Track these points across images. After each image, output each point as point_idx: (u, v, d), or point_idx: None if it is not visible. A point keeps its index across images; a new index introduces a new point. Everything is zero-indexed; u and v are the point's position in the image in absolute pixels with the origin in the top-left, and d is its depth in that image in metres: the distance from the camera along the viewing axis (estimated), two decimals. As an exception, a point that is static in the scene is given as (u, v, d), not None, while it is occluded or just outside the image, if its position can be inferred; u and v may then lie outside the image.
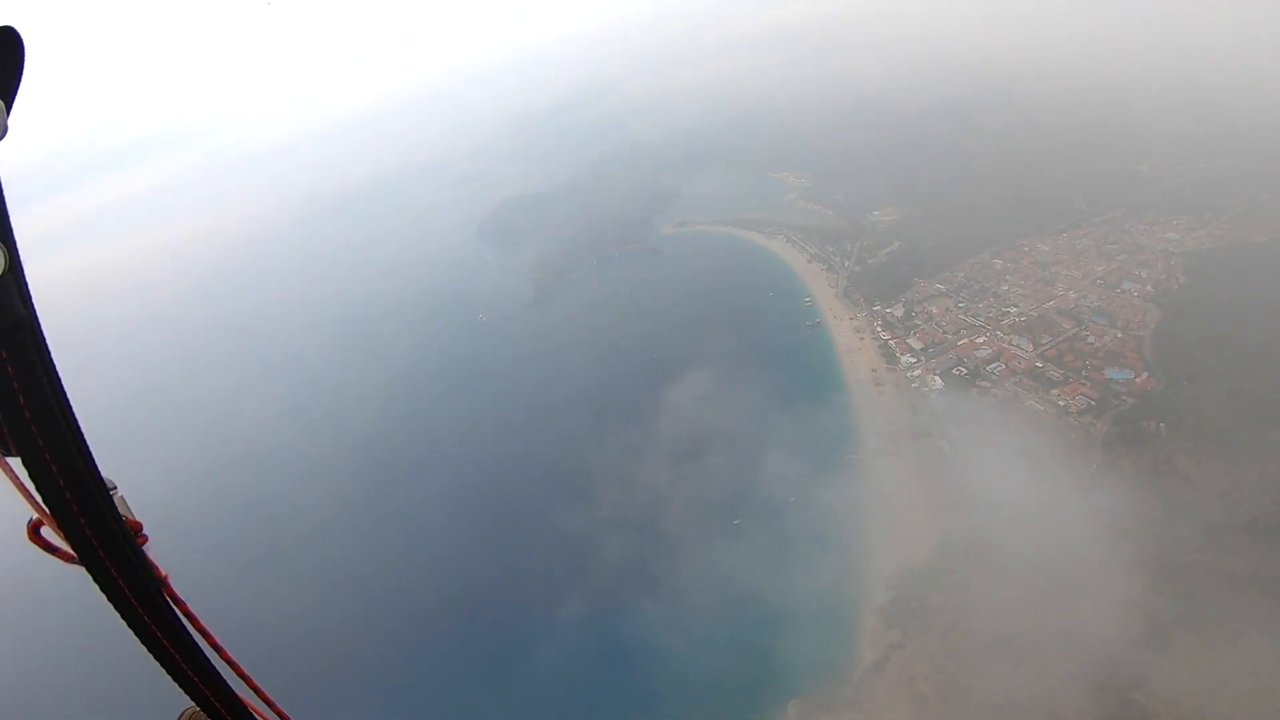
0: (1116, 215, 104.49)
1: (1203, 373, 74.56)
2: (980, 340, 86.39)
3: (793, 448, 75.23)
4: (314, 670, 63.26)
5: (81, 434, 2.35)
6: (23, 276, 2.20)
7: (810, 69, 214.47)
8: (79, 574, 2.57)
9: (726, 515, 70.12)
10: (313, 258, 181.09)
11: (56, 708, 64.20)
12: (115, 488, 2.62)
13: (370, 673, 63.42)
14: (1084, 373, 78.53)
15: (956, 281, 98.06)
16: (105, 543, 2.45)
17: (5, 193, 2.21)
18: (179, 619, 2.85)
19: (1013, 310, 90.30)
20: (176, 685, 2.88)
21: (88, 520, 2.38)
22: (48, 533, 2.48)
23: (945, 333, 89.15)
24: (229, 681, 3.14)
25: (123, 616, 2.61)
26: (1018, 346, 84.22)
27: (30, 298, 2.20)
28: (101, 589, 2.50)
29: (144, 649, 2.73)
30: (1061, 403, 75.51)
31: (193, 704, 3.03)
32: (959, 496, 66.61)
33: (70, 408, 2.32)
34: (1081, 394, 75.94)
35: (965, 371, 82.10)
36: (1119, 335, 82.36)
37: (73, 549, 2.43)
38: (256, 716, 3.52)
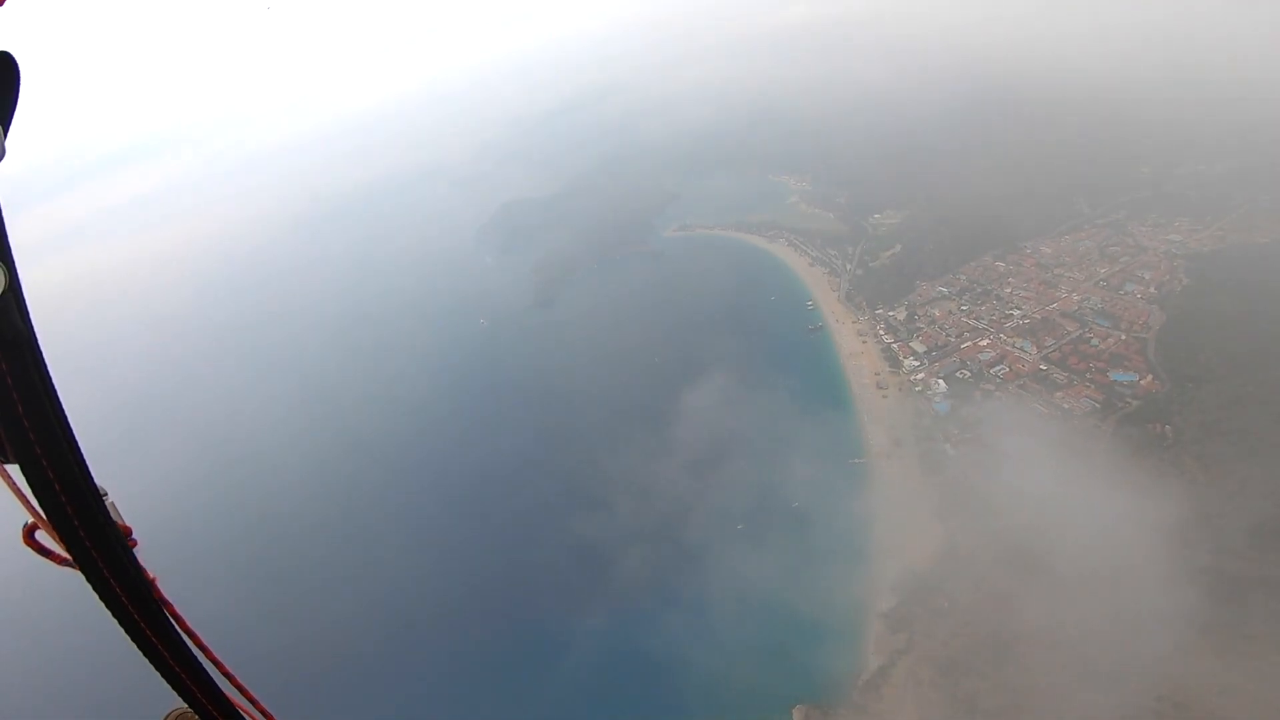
0: (1118, 217, 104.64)
1: (1207, 375, 74.46)
2: (984, 343, 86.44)
3: (796, 452, 75.27)
4: (319, 676, 63.20)
5: (77, 443, 2.44)
6: (21, 293, 2.29)
7: (809, 71, 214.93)
8: (71, 576, 2.68)
9: (729, 521, 70.10)
10: (312, 261, 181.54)
11: (46, 706, 64.31)
12: (107, 494, 2.72)
13: (375, 678, 63.31)
14: (1088, 375, 78.53)
15: (959, 284, 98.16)
16: (99, 546, 2.55)
17: (3, 204, 2.33)
18: (168, 620, 2.95)
19: (1016, 313, 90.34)
20: (166, 684, 2.98)
21: (82, 524, 2.48)
22: (42, 536, 2.58)
23: (948, 336, 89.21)
24: (216, 681, 3.24)
25: (115, 616, 2.72)
26: (1021, 349, 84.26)
27: (28, 313, 2.28)
28: (95, 590, 2.61)
29: (135, 648, 2.82)
30: (1066, 406, 75.46)
31: (182, 703, 3.13)
32: (963, 501, 66.56)
33: (66, 418, 2.41)
34: (1086, 397, 75.93)
35: (969, 375, 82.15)
36: (1122, 337, 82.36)
37: (67, 552, 2.53)
38: (243, 715, 3.60)
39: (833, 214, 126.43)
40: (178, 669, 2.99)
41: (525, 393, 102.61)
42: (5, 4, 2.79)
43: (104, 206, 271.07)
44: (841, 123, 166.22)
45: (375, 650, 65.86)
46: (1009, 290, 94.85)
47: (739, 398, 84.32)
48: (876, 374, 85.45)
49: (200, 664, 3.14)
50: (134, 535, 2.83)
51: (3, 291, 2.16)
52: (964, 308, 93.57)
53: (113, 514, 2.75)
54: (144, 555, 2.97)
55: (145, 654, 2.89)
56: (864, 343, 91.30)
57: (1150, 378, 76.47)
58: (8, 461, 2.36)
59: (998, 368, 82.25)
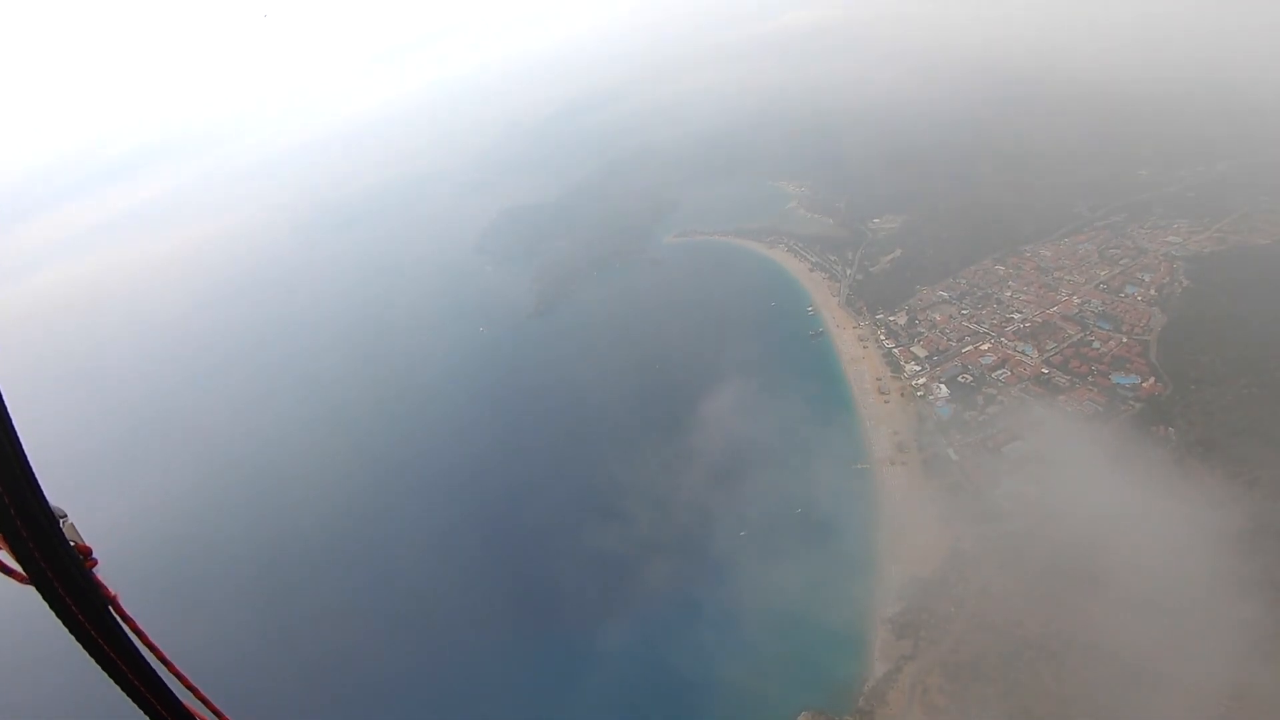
0: (1117, 220, 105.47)
1: (1209, 376, 74.93)
2: (985, 347, 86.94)
3: (798, 458, 75.69)
4: (330, 690, 63.37)
5: (31, 471, 2.61)
6: None
7: (807, 77, 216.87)
8: (30, 593, 2.84)
9: (732, 527, 70.39)
10: (311, 268, 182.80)
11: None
12: (65, 516, 2.91)
13: (382, 691, 63.42)
14: (1090, 378, 78.95)
15: (959, 288, 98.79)
16: (53, 565, 2.71)
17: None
18: (127, 636, 3.07)
19: (1017, 316, 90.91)
20: (127, 698, 3.10)
21: (36, 545, 2.66)
22: (3, 555, 2.75)
23: (949, 340, 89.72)
24: (177, 694, 3.37)
25: (71, 632, 2.89)
26: (1023, 353, 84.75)
27: None
28: (51, 607, 2.79)
29: (94, 663, 2.95)
30: (1069, 409, 75.81)
31: (145, 716, 3.25)
32: (967, 505, 66.86)
33: (20, 446, 2.58)
34: (1088, 399, 76.31)
35: (971, 379, 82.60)
36: (1124, 340, 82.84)
37: (24, 571, 2.69)
38: None
39: (832, 219, 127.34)
40: (137, 683, 3.10)
41: (524, 400, 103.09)
42: None
43: (101, 217, 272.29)
44: (839, 127, 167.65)
45: (383, 662, 65.97)
46: (1009, 294, 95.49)
47: (740, 404, 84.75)
48: (878, 379, 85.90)
49: (160, 679, 3.23)
50: (94, 555, 2.96)
51: None
52: (965, 312, 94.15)
53: (70, 535, 2.91)
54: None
55: (104, 668, 3.01)
56: (865, 348, 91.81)
57: (1152, 380, 76.88)
58: None
59: (999, 372, 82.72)
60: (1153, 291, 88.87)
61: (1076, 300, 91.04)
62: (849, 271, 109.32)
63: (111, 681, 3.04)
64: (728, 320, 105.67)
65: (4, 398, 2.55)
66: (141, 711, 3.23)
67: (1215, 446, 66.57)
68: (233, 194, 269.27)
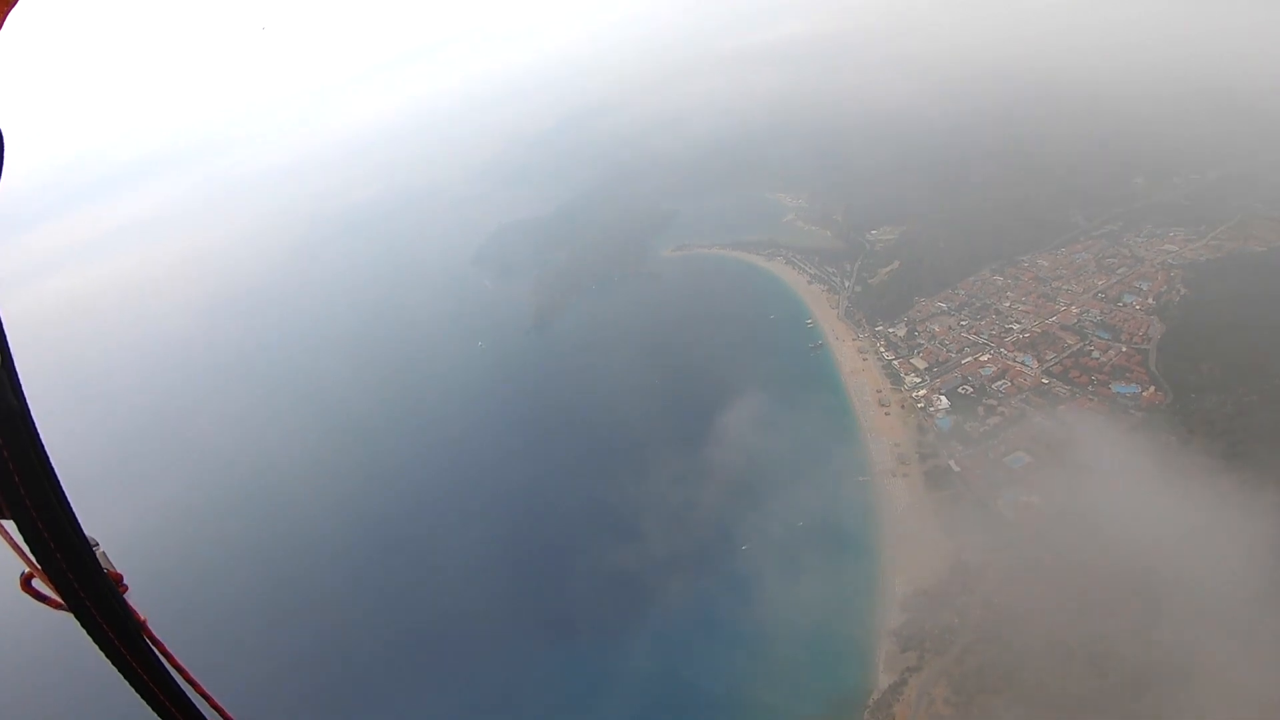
0: (1114, 229, 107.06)
1: (1209, 385, 75.88)
2: (985, 358, 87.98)
3: (799, 471, 76.43)
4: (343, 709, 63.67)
5: (68, 502, 2.77)
6: (14, 371, 2.62)
7: (802, 88, 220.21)
8: (67, 620, 3.03)
9: (733, 541, 70.94)
10: (311, 281, 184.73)
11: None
12: (98, 544, 3.04)
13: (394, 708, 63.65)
14: (1090, 388, 79.93)
15: (958, 299, 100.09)
16: (89, 592, 2.86)
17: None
18: (159, 660, 3.21)
19: (1016, 327, 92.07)
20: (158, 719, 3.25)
21: (74, 573, 2.81)
22: (38, 584, 2.91)
23: (949, 351, 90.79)
24: (207, 715, 3.55)
25: (107, 656, 3.02)
26: (1022, 363, 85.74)
27: (21, 388, 2.62)
28: (88, 632, 2.93)
29: (128, 686, 3.10)
30: (1069, 419, 76.61)
31: None
32: (970, 517, 67.46)
33: (58, 480, 2.75)
34: (1089, 409, 77.13)
35: (971, 390, 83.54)
36: (1123, 349, 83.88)
37: (61, 598, 2.84)
38: None
39: (830, 231, 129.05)
40: (170, 705, 3.22)
41: (523, 414, 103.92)
42: None
43: (98, 229, 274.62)
44: (836, 138, 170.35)
45: (393, 675, 66.23)
46: (1008, 304, 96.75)
47: (740, 418, 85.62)
48: (878, 391, 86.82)
49: (190, 701, 3.37)
50: (125, 581, 3.10)
51: None
52: (964, 323, 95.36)
53: (103, 562, 3.05)
54: (141, 595, 3.41)
55: (138, 691, 3.13)
56: (864, 360, 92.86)
57: (1153, 389, 77.82)
58: (3, 517, 2.70)
59: (999, 383, 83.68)
60: (1151, 300, 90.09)
61: (1075, 310, 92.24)
62: (848, 284, 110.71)
63: (146, 706, 3.19)
64: (727, 334, 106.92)
65: (37, 428, 2.70)
66: None
67: (1218, 456, 67.18)
68: (231, 206, 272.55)
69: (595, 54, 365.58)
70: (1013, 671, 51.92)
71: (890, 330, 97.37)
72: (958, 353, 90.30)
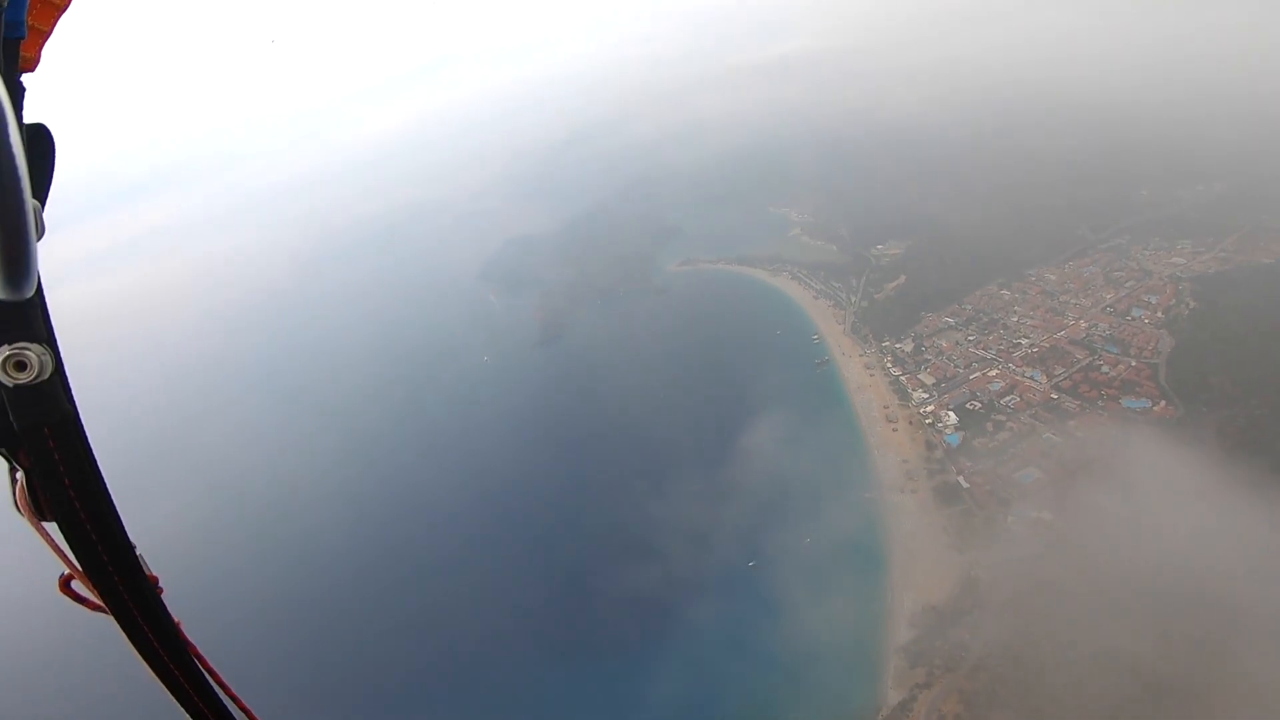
0: (1121, 242, 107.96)
1: (1221, 399, 76.35)
2: (993, 373, 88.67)
3: (806, 487, 77.23)
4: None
5: (114, 506, 2.82)
6: (65, 375, 2.64)
7: (805, 103, 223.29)
8: (98, 623, 3.12)
9: (740, 557, 71.58)
10: (315, 296, 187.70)
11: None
12: (135, 547, 3.07)
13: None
14: (1100, 403, 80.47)
15: (965, 314, 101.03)
16: (133, 594, 2.91)
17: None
18: (194, 663, 3.27)
19: (1024, 342, 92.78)
20: None
21: (119, 576, 2.86)
22: (78, 585, 2.95)
23: (957, 367, 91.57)
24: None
25: (146, 660, 3.03)
26: (1031, 379, 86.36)
27: (72, 393, 2.66)
28: (128, 635, 2.96)
29: (166, 692, 3.13)
30: (1079, 435, 77.05)
31: None
32: (980, 533, 67.92)
33: (105, 484, 2.80)
34: (1099, 424, 77.52)
35: (979, 406, 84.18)
36: (1133, 364, 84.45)
37: (103, 601, 2.89)
38: None
39: (835, 246, 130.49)
40: (206, 710, 3.26)
41: (529, 429, 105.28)
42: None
43: (109, 241, 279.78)
44: (840, 153, 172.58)
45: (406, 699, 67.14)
46: (1016, 319, 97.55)
47: (745, 434, 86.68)
48: (885, 407, 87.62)
49: (227, 709, 3.41)
50: (160, 584, 3.16)
51: (51, 375, 2.48)
52: (971, 338, 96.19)
53: (142, 565, 3.12)
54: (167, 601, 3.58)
55: (174, 694, 3.16)
56: (871, 376, 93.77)
57: (1164, 404, 78.33)
58: (46, 520, 2.77)
59: (1008, 398, 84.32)
60: (1160, 314, 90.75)
61: (1083, 324, 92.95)
62: (854, 299, 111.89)
63: (183, 711, 3.23)
64: (733, 349, 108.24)
65: (83, 425, 2.75)
66: None
67: (1233, 470, 67.31)
68: (242, 219, 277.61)
69: (601, 69, 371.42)
70: (1026, 688, 52.24)
71: (897, 345, 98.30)
72: (965, 368, 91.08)
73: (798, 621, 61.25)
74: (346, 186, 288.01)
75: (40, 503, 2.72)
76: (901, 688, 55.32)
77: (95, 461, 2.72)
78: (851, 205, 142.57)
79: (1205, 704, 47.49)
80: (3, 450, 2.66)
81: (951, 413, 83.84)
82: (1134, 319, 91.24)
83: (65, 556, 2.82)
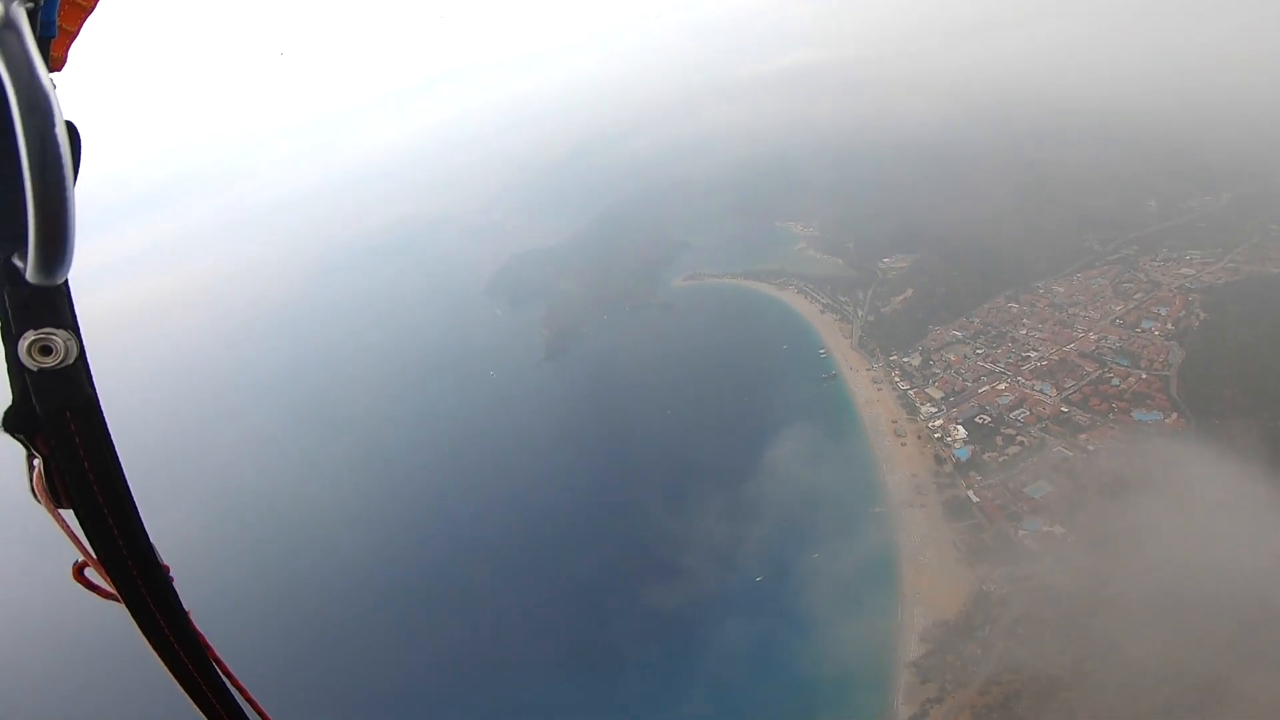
0: (1129, 253, 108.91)
1: (1234, 411, 76.81)
2: (1002, 387, 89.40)
3: (814, 502, 78.06)
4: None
5: (130, 491, 2.85)
6: (88, 363, 2.68)
7: (811, 116, 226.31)
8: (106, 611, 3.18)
9: (747, 573, 72.44)
10: (321, 308, 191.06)
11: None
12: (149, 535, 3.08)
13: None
14: (1111, 416, 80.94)
15: (973, 328, 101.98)
16: (147, 582, 2.93)
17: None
18: (202, 652, 3.27)
19: (1033, 355, 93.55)
20: (201, 714, 3.32)
21: (134, 564, 2.88)
22: (91, 573, 2.98)
23: (965, 381, 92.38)
24: (247, 713, 3.58)
25: (156, 649, 3.04)
26: (1040, 392, 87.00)
27: (93, 380, 2.70)
28: (140, 624, 2.98)
29: (174, 682, 3.14)
30: (1091, 448, 77.56)
31: None
32: (991, 546, 68.47)
33: (122, 468, 2.83)
34: (1110, 438, 77.95)
35: (989, 419, 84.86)
36: (1143, 376, 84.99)
37: (117, 589, 2.91)
38: None
39: (841, 259, 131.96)
40: (213, 699, 3.27)
41: (533, 443, 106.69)
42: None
43: (117, 254, 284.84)
44: (846, 166, 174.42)
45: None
46: (1024, 332, 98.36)
47: (752, 448, 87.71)
48: (894, 421, 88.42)
49: (235, 700, 3.42)
50: (172, 573, 3.15)
51: (75, 361, 2.55)
52: (979, 351, 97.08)
53: (155, 553, 3.12)
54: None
55: (183, 684, 3.17)
56: (879, 390, 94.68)
57: (1175, 416, 78.74)
58: (62, 507, 2.79)
59: (1017, 411, 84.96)
60: (1170, 325, 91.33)
61: (1093, 337, 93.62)
62: (860, 312, 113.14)
63: (190, 701, 3.24)
64: (739, 364, 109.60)
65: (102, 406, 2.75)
66: None
67: (1247, 483, 67.51)
68: (249, 231, 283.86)
69: (607, 82, 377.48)
70: (1040, 703, 52.61)
71: (905, 359, 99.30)
72: (974, 382, 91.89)
73: (806, 637, 61.94)
74: (355, 198, 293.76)
75: (58, 489, 2.78)
76: (912, 703, 55.85)
77: (114, 448, 2.80)
78: (857, 218, 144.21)
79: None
80: (21, 437, 2.73)
81: (960, 427, 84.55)
82: (1144, 331, 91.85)
83: (80, 543, 2.87)
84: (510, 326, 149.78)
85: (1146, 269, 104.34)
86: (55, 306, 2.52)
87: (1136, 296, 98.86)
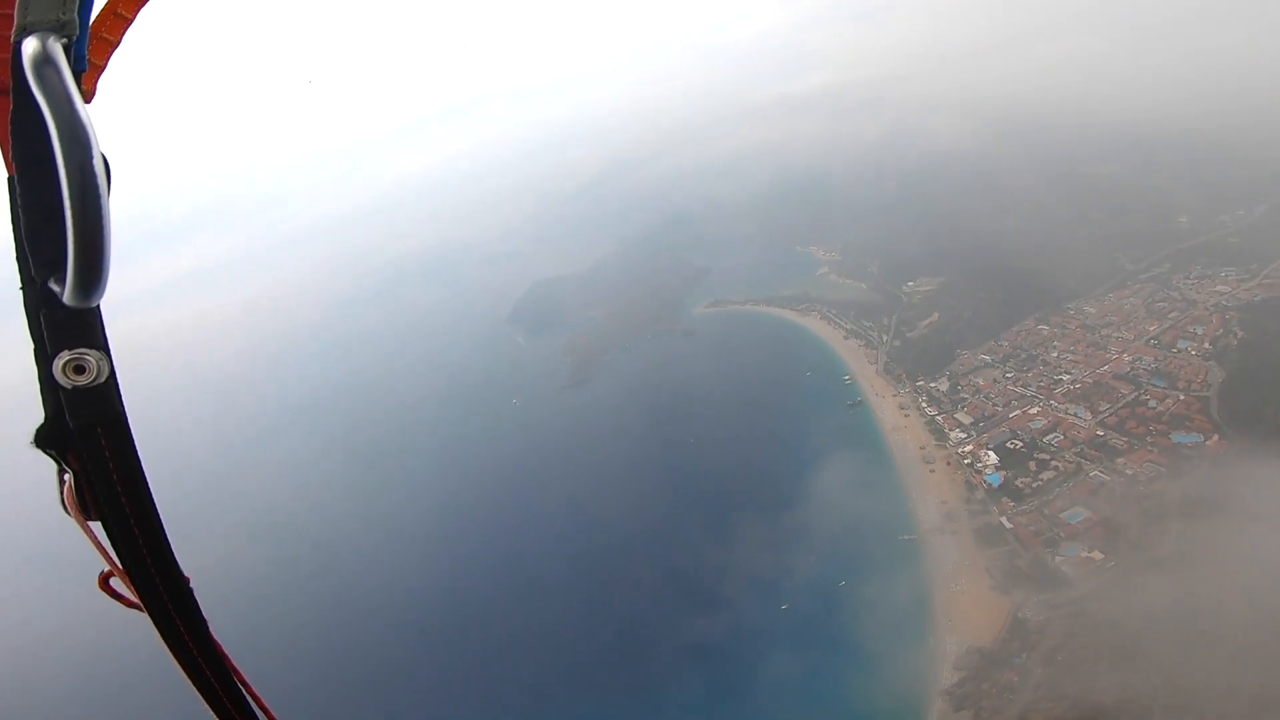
0: (1161, 271, 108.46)
1: (1278, 431, 75.50)
2: (1034, 411, 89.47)
3: (841, 530, 78.89)
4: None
5: (155, 504, 3.05)
6: (118, 382, 2.88)
7: (830, 139, 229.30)
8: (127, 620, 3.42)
9: (773, 600, 73.32)
10: (346, 337, 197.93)
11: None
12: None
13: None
14: (1149, 439, 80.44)
15: (1002, 351, 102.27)
16: (170, 593, 3.13)
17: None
18: (220, 662, 3.44)
19: (1065, 378, 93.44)
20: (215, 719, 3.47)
21: (159, 575, 3.07)
22: (116, 583, 3.19)
23: (995, 406, 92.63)
24: None
25: (177, 657, 3.21)
26: (1075, 416, 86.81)
27: (122, 398, 2.91)
28: (161, 632, 3.16)
29: (192, 688, 3.31)
30: (1130, 471, 77.17)
31: None
32: (1026, 573, 68.45)
33: (148, 482, 3.02)
34: (1149, 461, 77.61)
35: (1021, 445, 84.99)
36: (1181, 398, 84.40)
37: (140, 598, 3.10)
38: None
39: (865, 284, 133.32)
40: (233, 710, 3.43)
41: (556, 469, 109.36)
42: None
43: (147, 284, 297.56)
44: (867, 189, 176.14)
45: None
46: (1055, 354, 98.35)
47: (777, 476, 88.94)
48: (922, 448, 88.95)
49: (251, 707, 3.58)
50: (192, 584, 3.30)
51: (106, 380, 2.78)
52: (1009, 375, 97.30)
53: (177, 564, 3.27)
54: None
55: (202, 694, 3.33)
56: (906, 416, 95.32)
57: (1216, 438, 77.95)
58: (91, 520, 2.99)
59: (1051, 436, 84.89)
60: (1207, 345, 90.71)
61: (1128, 358, 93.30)
62: (885, 338, 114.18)
63: (207, 706, 3.37)
64: (763, 391, 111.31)
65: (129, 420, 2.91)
66: None
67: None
68: (274, 260, 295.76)
69: (628, 108, 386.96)
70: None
71: (932, 385, 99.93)
72: (1004, 406, 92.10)
73: (834, 665, 62.37)
74: (379, 226, 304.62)
75: (87, 502, 2.94)
76: (945, 731, 55.94)
77: (140, 462, 2.96)
78: (880, 240, 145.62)
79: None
80: (53, 453, 2.90)
81: (991, 452, 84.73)
82: (1180, 351, 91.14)
83: (108, 554, 3.02)
84: (533, 354, 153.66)
85: (1180, 287, 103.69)
86: (89, 328, 2.72)
87: (1171, 316, 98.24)
